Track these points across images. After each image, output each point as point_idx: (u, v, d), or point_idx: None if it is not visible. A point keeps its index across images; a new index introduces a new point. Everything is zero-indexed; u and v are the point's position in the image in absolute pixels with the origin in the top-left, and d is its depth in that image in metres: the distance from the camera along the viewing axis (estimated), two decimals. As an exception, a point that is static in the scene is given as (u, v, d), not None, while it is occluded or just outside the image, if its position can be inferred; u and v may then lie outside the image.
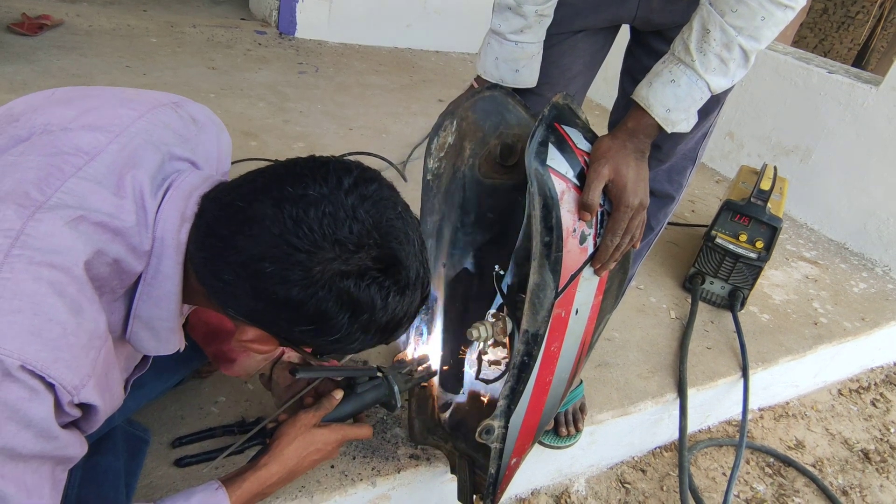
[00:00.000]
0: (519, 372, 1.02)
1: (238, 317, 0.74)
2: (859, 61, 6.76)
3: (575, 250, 0.98)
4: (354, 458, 1.21)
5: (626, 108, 1.03)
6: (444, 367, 1.27)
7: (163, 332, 0.78)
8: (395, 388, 1.10)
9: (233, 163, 2.19)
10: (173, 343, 0.81)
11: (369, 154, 2.24)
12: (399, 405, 1.12)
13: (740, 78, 0.96)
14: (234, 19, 3.74)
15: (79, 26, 3.06)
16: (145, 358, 0.90)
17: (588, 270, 1.01)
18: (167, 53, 3.01)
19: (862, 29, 7.03)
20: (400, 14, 3.87)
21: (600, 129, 1.28)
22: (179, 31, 3.34)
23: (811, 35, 7.67)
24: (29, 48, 2.68)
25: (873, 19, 6.79)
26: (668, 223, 1.61)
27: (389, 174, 2.30)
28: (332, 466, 1.18)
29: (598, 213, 0.99)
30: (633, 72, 1.24)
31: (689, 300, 2.01)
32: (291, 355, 1.13)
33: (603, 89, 1.18)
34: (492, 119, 1.16)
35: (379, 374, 1.10)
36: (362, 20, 3.75)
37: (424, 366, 1.20)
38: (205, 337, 1.08)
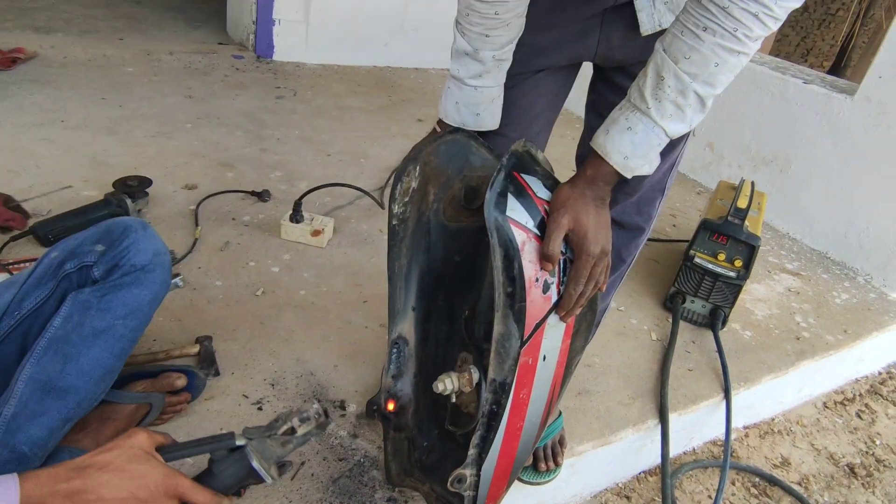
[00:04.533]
0: (488, 420, 1.01)
1: None
2: (841, 58, 6.82)
3: (539, 299, 0.97)
4: (330, 507, 1.20)
5: None
6: (418, 411, 1.26)
7: None
8: (254, 462, 0.84)
9: (211, 195, 2.17)
10: None
11: (345, 185, 2.22)
12: (270, 480, 0.85)
13: (698, 122, 0.96)
14: (211, 44, 3.73)
15: (53, 58, 3.03)
16: None
17: (554, 318, 1.01)
18: (144, 83, 2.99)
19: (843, 26, 7.09)
20: (377, 33, 3.86)
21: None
22: (156, 58, 3.32)
23: (793, 33, 7.72)
24: (2, 83, 2.65)
25: (853, 16, 6.85)
26: (649, 239, 1.61)
27: (365, 203, 2.29)
28: (307, 518, 1.17)
29: (561, 261, 0.98)
30: (598, 106, 1.23)
31: (671, 320, 2.00)
32: None
33: (583, 101, 1.20)
34: (455, 162, 1.15)
35: (240, 443, 0.86)
36: (340, 40, 3.74)
37: (312, 416, 0.92)
38: None
